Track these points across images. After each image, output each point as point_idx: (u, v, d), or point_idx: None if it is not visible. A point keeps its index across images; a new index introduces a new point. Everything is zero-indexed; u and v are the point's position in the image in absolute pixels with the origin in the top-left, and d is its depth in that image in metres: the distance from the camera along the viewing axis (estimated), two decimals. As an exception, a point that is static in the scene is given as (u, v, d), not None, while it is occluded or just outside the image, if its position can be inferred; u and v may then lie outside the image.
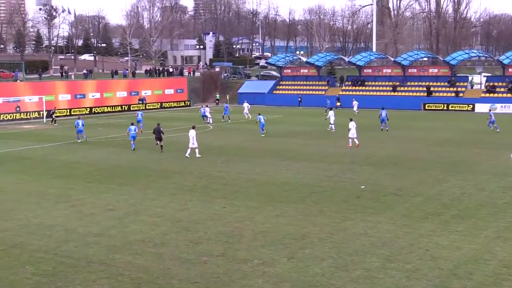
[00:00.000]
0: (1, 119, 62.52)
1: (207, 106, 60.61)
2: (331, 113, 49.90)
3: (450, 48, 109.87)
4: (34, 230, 19.26)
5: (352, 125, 38.99)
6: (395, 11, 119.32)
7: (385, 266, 15.37)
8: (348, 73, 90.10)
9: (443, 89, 75.97)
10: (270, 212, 21.23)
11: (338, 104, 75.41)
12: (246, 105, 63.32)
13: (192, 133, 35.06)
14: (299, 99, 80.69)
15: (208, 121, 56.71)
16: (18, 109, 65.12)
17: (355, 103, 64.89)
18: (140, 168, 31.58)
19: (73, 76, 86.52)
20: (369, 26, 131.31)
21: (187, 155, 34.76)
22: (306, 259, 16.06)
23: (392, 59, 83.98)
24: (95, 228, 19.38)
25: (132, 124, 40.73)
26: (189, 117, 61.39)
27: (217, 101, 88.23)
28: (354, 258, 16.04)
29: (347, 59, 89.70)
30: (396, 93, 77.82)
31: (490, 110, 51.94)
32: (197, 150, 35.03)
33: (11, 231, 19.19)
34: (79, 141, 43.36)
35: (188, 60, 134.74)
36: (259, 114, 48.28)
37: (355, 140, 38.84)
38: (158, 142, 38.16)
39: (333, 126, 48.86)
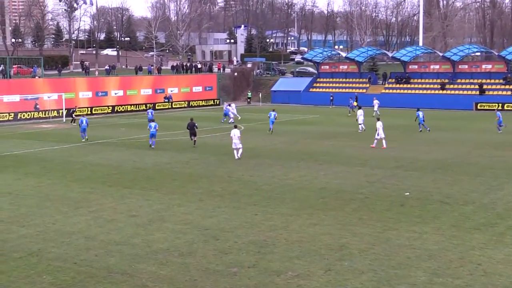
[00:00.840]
0: (18, 118, 63.71)
1: (229, 105, 61.07)
2: (360, 112, 50.08)
3: (506, 42, 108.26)
4: (53, 237, 19.53)
5: (379, 125, 39.50)
6: (444, 1, 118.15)
7: (432, 281, 15.19)
8: (392, 70, 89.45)
9: (498, 87, 74.88)
10: (305, 221, 21.16)
11: (355, 104, 75.34)
12: (233, 105, 62.52)
13: (236, 132, 35.11)
14: (331, 97, 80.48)
15: (230, 121, 57.17)
16: (37, 107, 66.21)
17: (376, 102, 64.00)
18: (165, 171, 31.80)
19: (97, 72, 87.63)
20: (415, 18, 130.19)
21: (236, 156, 35.06)
22: (344, 272, 15.96)
23: (441, 54, 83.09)
24: (117, 236, 19.56)
25: (153, 121, 41.64)
26: (219, 116, 61.65)
27: (248, 100, 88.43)
28: (397, 272, 15.88)
29: (390, 54, 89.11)
30: (444, 92, 76.98)
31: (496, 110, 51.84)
32: (240, 151, 35.14)
33: (28, 238, 19.49)
34: (83, 140, 44.40)
35: (217, 55, 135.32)
36: (273, 110, 50.85)
37: (383, 141, 39.28)
38: (192, 137, 40.72)
39: (362, 125, 49.21)
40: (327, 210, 22.63)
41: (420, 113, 49.22)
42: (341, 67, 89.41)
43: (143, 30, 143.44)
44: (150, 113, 54.17)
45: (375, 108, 63.38)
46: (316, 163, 33.74)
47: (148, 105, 72.65)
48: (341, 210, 22.62)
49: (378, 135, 39.66)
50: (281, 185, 27.56)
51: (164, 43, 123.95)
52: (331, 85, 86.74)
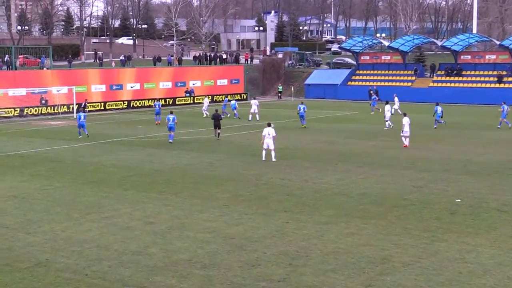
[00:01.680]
0: (25, 113, 64.35)
1: (254, 98, 61.37)
2: (387, 107, 50.57)
3: None
4: (62, 246, 19.73)
5: (405, 121, 39.70)
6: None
7: (486, 300, 15.05)
8: (441, 60, 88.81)
9: None
10: (343, 230, 21.11)
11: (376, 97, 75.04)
12: (254, 102, 62.44)
13: (271, 131, 35.02)
14: (371, 91, 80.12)
15: (249, 118, 57.57)
16: (44, 101, 66.96)
17: (396, 99, 63.37)
18: (186, 173, 31.94)
19: (113, 63, 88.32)
20: (468, 1, 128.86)
21: (264, 158, 35.14)
22: (386, 287, 15.92)
23: (498, 42, 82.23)
24: (132, 245, 19.70)
25: (171, 113, 42.53)
26: (246, 113, 61.65)
27: (279, 94, 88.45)
28: (447, 289, 15.79)
29: (439, 43, 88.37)
30: (502, 85, 76.14)
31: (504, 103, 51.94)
32: (273, 153, 35.20)
33: (35, 246, 19.72)
34: (80, 137, 45.57)
35: (245, 45, 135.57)
36: (301, 103, 52.67)
37: (406, 139, 39.75)
38: (216, 129, 42.65)
39: (389, 122, 49.77)
40: (367, 218, 22.54)
41: (439, 108, 50.31)
42: (383, 57, 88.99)
43: (162, 16, 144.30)
44: (157, 106, 56.24)
45: (397, 105, 62.54)
46: (355, 165, 33.63)
47: (156, 98, 72.99)
48: (383, 218, 22.51)
49: (403, 132, 39.83)
50: (315, 190, 27.52)
51: (186, 31, 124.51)
52: (371, 77, 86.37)
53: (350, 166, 33.45)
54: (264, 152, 35.30)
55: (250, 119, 57.02)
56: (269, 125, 35.72)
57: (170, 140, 41.92)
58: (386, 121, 49.89)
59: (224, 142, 42.59)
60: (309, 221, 22.30)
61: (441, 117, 50.42)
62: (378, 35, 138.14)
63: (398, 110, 59.64)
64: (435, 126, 50.09)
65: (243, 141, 43.56)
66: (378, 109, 62.42)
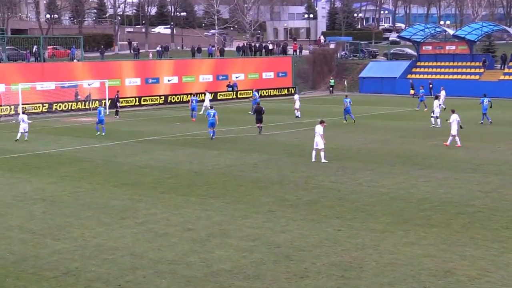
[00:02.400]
0: (54, 109, 65.26)
1: (296, 93, 61.56)
2: (436, 103, 50.33)
3: None
4: (93, 254, 19.96)
5: (454, 118, 39.63)
6: None
7: None
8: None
9: None
10: (401, 239, 20.98)
11: (412, 92, 74.42)
12: (296, 97, 62.20)
13: (319, 129, 35.00)
14: (431, 85, 79.63)
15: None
16: (78, 97, 67.69)
17: (443, 93, 62.15)
18: (228, 175, 32.05)
19: (151, 55, 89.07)
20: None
21: (313, 159, 35.20)
22: (450, 304, 15.77)
23: None
24: (169, 253, 19.84)
25: (212, 108, 43.19)
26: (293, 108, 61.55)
27: (331, 89, 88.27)
28: (518, 306, 15.58)
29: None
30: None
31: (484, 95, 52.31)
32: (322, 153, 35.16)
33: (64, 254, 19.97)
34: (97, 133, 47.09)
35: (293, 34, 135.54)
36: (346, 97, 54.27)
37: (454, 139, 39.62)
38: (258, 123, 44.31)
39: (435, 119, 49.94)
40: (428, 226, 22.36)
41: (485, 100, 50.40)
42: (447, 47, 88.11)
43: (202, 3, 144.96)
44: (194, 101, 57.64)
45: (441, 100, 61.55)
46: (415, 167, 33.39)
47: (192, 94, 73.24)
48: (446, 227, 22.31)
49: (452, 132, 39.61)
50: (370, 194, 27.40)
51: (228, 19, 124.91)
52: (434, 70, 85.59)
53: (409, 168, 33.21)
54: (314, 153, 35.26)
55: (298, 115, 56.99)
56: (321, 122, 35.58)
57: (212, 136, 43.19)
58: (436, 117, 49.71)
59: (269, 141, 42.61)
60: (364, 228, 22.21)
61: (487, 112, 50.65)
62: (441, 22, 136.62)
63: (443, 105, 58.73)
64: (481, 121, 50.47)
65: (291, 140, 43.54)
66: (419, 109, 61.77)
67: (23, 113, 49.69)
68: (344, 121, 52.53)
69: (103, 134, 46.86)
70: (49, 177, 32.10)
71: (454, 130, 39.58)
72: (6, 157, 38.13)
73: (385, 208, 25.01)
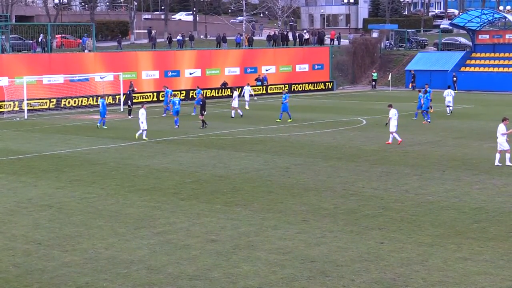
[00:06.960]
0: (62, 105, 65.47)
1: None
2: (447, 92, 54.25)
3: None
4: (105, 267, 20.08)
5: (393, 114, 40.90)
6: None
7: None
8: None
9: None
10: (452, 253, 20.88)
11: (412, 84, 74.32)
12: (247, 88, 62.87)
13: (502, 128, 34.37)
14: (455, 78, 79.04)
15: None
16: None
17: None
18: (257, 180, 32.09)
19: (175, 44, 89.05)
20: None
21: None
22: (508, 328, 15.68)
23: None
24: (190, 267, 19.91)
25: (175, 96, 45.80)
26: (333, 106, 61.53)
27: (373, 83, 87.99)
28: None
29: None
30: None
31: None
32: (508, 155, 34.50)
33: (73, 267, 20.11)
34: (99, 126, 49.33)
35: (331, 21, 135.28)
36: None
37: (395, 136, 41.04)
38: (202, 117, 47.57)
39: (451, 107, 53.95)
40: (484, 240, 22.24)
41: (446, 92, 53.13)
42: (507, 36, 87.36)
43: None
44: (199, 94, 58.25)
45: (452, 94, 60.26)
46: (468, 172, 33.20)
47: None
48: (504, 240, 22.18)
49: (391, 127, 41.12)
50: (418, 203, 27.30)
51: (258, 5, 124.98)
52: (492, 62, 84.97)
53: (462, 173, 33.02)
54: (497, 156, 34.74)
55: (233, 115, 56.76)
56: (503, 120, 34.63)
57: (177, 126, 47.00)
58: (448, 106, 53.40)
59: (304, 142, 42.54)
60: (410, 241, 22.14)
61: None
62: (501, 8, 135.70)
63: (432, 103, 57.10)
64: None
65: (328, 141, 43.42)
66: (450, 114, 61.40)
67: None
68: (428, 122, 51.54)
69: (104, 127, 48.52)
70: (57, 181, 32.29)
71: (392, 126, 40.85)
72: (10, 159, 38.46)
73: (434, 219, 24.91)
